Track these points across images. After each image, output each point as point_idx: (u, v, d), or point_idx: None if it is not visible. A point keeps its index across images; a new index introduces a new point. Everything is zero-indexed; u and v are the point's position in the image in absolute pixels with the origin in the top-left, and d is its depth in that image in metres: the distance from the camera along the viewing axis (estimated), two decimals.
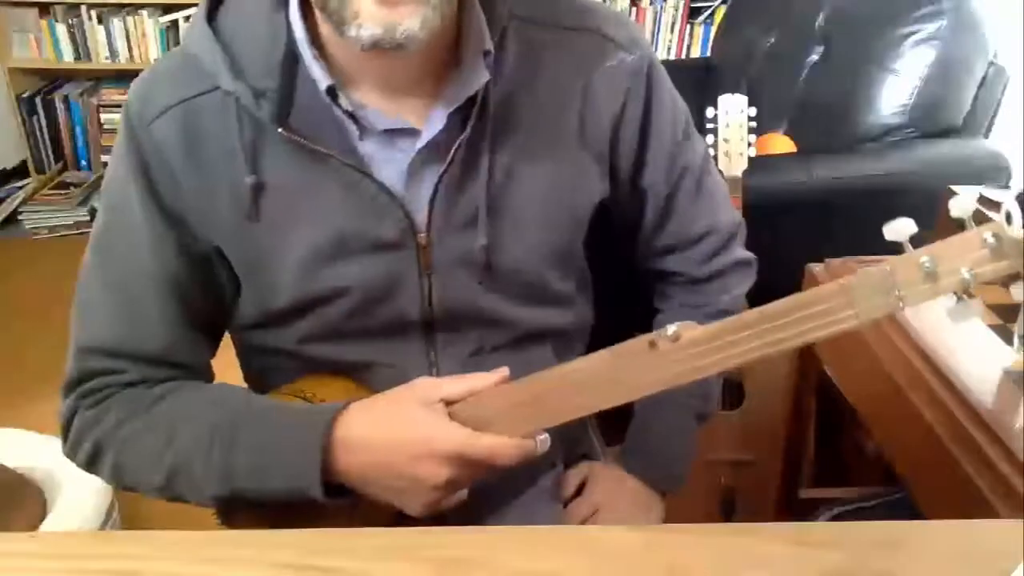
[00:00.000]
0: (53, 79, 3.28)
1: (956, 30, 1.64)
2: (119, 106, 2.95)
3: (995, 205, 0.93)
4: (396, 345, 0.80)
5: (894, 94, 1.66)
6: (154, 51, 3.08)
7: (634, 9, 3.05)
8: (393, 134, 0.74)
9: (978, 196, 0.52)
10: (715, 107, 1.48)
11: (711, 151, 1.47)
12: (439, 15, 0.64)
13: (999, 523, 0.73)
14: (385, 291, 0.77)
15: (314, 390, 0.80)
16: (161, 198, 0.74)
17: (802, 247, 1.18)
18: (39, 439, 1.59)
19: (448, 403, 0.68)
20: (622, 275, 0.95)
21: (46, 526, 1.41)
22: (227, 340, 0.87)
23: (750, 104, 1.47)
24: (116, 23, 3.07)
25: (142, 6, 3.08)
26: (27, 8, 3.08)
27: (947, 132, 1.68)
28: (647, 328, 0.65)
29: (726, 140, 1.47)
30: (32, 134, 3.22)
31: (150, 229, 0.74)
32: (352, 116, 0.72)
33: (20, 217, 3.03)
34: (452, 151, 0.72)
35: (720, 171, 1.46)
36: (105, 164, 3.14)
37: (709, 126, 1.49)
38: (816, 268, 1.16)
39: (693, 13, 3.06)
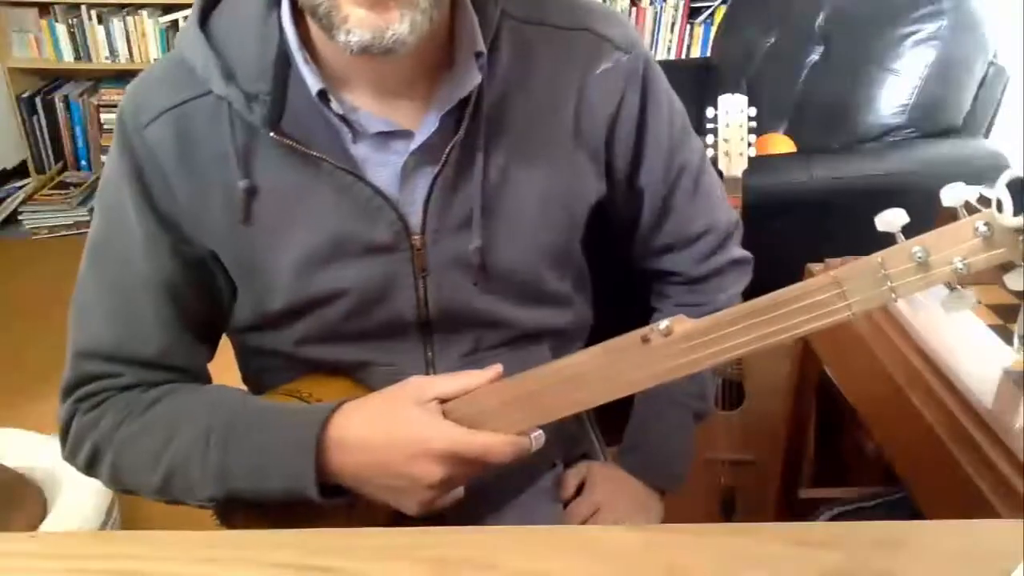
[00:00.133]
0: (53, 79, 3.28)
1: (956, 30, 1.64)
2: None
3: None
4: (393, 345, 0.80)
5: (894, 94, 1.66)
6: (154, 51, 3.08)
7: (634, 9, 3.05)
8: (386, 137, 0.73)
9: (978, 196, 0.51)
10: (715, 107, 1.48)
11: (711, 151, 1.47)
12: (428, 19, 0.64)
13: (999, 523, 0.73)
14: (380, 293, 0.77)
15: (311, 390, 0.80)
16: (155, 202, 0.74)
17: (802, 247, 1.18)
18: (39, 439, 1.59)
19: (442, 401, 0.68)
20: (621, 274, 0.95)
21: (46, 526, 1.41)
22: (226, 340, 0.87)
23: (750, 104, 1.47)
24: (116, 23, 3.07)
25: (142, 6, 3.08)
26: (27, 8, 3.08)
27: (947, 132, 1.68)
28: None
29: (726, 140, 1.47)
30: (32, 134, 3.22)
31: (145, 233, 0.74)
32: (344, 119, 0.72)
33: (20, 217, 3.04)
34: (446, 153, 0.72)
35: (720, 171, 1.46)
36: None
37: (709, 126, 1.49)
38: (816, 268, 1.16)
39: (693, 13, 3.06)
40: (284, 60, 0.71)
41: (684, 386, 0.93)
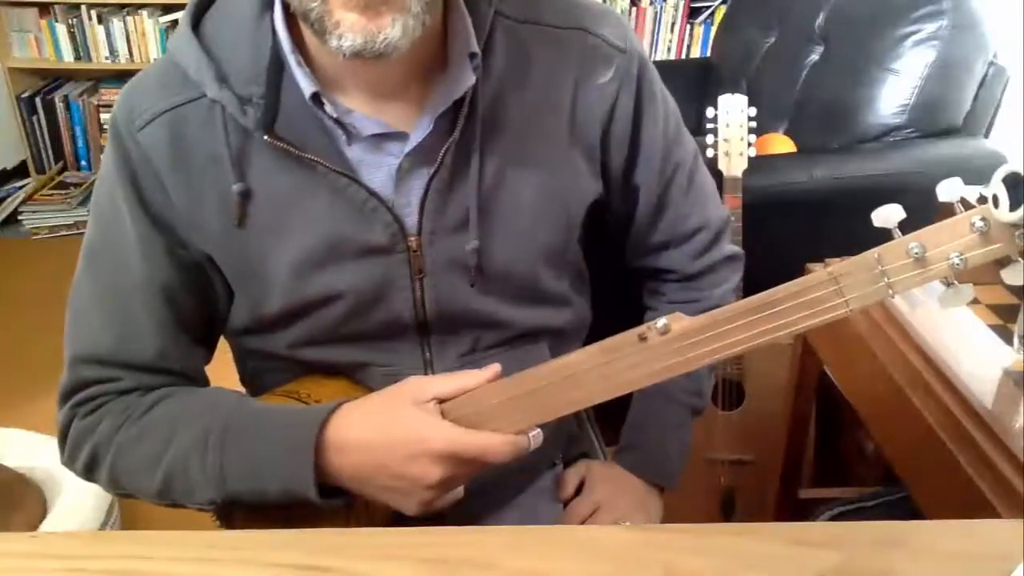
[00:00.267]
0: (53, 79, 3.28)
1: (956, 30, 1.64)
2: None
3: None
4: (390, 347, 0.80)
5: (894, 94, 1.66)
6: (154, 51, 3.08)
7: (634, 9, 3.05)
8: (381, 139, 0.73)
9: (978, 196, 0.51)
10: (715, 107, 1.48)
11: (711, 151, 1.47)
12: (421, 23, 0.64)
13: (999, 523, 0.73)
14: (377, 295, 0.77)
15: (309, 391, 0.80)
16: (150, 206, 0.74)
17: (802, 247, 1.18)
18: (39, 439, 1.60)
19: (441, 401, 0.68)
20: (614, 273, 0.96)
21: (46, 526, 1.41)
22: (224, 342, 0.87)
23: (750, 104, 1.47)
24: (116, 23, 3.07)
25: (142, 6, 3.08)
26: (27, 8, 3.08)
27: (947, 132, 1.68)
28: None
29: (726, 140, 1.47)
30: (32, 134, 3.22)
31: (139, 237, 0.74)
32: (338, 122, 0.72)
33: (20, 217, 3.04)
34: (441, 154, 0.72)
35: (720, 171, 1.47)
36: None
37: (709, 126, 1.49)
38: (816, 268, 1.16)
39: (693, 13, 3.06)
40: (277, 63, 0.71)
41: (680, 383, 0.93)
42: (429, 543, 0.62)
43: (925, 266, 0.52)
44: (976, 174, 0.52)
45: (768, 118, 1.81)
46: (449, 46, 0.72)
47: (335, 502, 0.70)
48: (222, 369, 0.87)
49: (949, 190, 0.52)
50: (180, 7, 3.03)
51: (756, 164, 1.49)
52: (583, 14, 0.79)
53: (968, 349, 0.97)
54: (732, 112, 1.47)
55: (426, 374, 0.81)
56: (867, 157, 1.64)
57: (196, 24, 0.73)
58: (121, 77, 3.19)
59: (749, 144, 1.47)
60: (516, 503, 0.89)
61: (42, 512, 1.44)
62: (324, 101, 0.70)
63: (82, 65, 3.15)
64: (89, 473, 0.78)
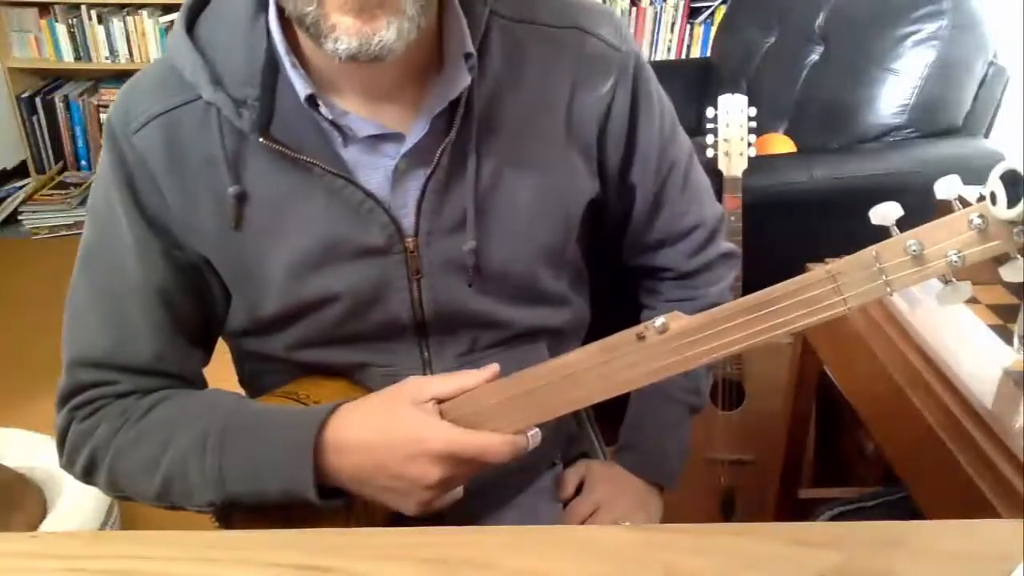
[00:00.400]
0: (53, 79, 3.28)
1: (956, 30, 1.64)
2: None
3: None
4: (389, 347, 0.80)
5: (894, 94, 1.66)
6: (154, 51, 3.08)
7: (634, 9, 3.05)
8: (377, 140, 0.73)
9: (979, 196, 0.51)
10: (715, 107, 1.49)
11: (711, 151, 1.48)
12: (416, 25, 0.64)
13: (999, 523, 0.73)
14: (375, 297, 0.76)
15: (308, 391, 0.80)
16: (146, 208, 0.74)
17: (802, 247, 1.18)
18: (39, 439, 1.60)
19: (439, 401, 0.68)
20: (610, 272, 0.96)
21: (46, 526, 1.41)
22: (223, 343, 0.86)
23: (750, 104, 1.48)
24: (116, 23, 3.08)
25: (142, 6, 3.08)
26: (27, 8, 3.08)
27: (947, 132, 1.68)
28: None
29: (726, 140, 1.47)
30: (32, 134, 3.22)
31: (136, 240, 0.74)
32: (334, 124, 0.71)
33: (20, 217, 3.04)
34: (437, 155, 0.72)
35: (720, 171, 1.47)
36: None
37: (709, 126, 1.49)
38: (816, 268, 1.16)
39: (693, 13, 3.06)
40: (272, 65, 0.71)
41: (678, 381, 0.93)
42: (429, 543, 0.62)
43: (923, 264, 0.52)
44: (976, 174, 0.52)
45: (768, 118, 1.81)
46: (444, 47, 0.72)
47: (334, 503, 0.70)
48: (221, 370, 0.87)
49: (947, 187, 0.52)
50: (180, 7, 3.05)
51: (756, 164, 1.49)
52: (579, 13, 0.79)
53: (968, 349, 0.97)
54: (732, 112, 1.47)
55: (425, 374, 0.81)
56: (867, 157, 1.64)
57: (191, 26, 0.73)
58: (121, 77, 3.19)
59: (749, 144, 1.47)
60: (516, 503, 0.89)
61: (42, 512, 1.44)
62: (319, 103, 0.70)
63: (82, 65, 3.16)
64: (88, 476, 0.78)
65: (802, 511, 1.42)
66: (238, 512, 0.75)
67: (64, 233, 3.00)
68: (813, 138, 1.78)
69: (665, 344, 0.60)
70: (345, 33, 0.62)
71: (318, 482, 0.68)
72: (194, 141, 0.72)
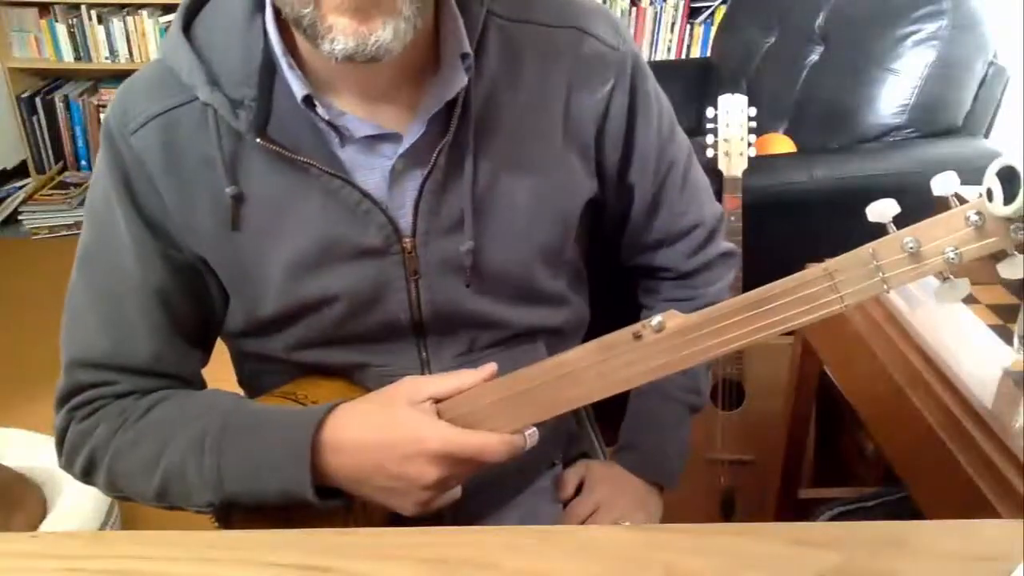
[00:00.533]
0: (53, 79, 3.29)
1: (956, 30, 1.64)
2: None
3: None
4: (387, 348, 0.80)
5: (894, 94, 1.66)
6: (154, 51, 3.08)
7: (634, 9, 3.05)
8: (374, 140, 0.73)
9: (977, 196, 0.51)
10: (715, 107, 1.49)
11: (711, 151, 1.48)
12: (412, 26, 0.64)
13: (999, 523, 0.73)
14: (372, 297, 0.76)
15: (306, 392, 0.80)
16: (143, 209, 0.74)
17: (802, 247, 1.18)
18: (39, 439, 1.60)
19: (437, 401, 0.68)
20: (608, 272, 0.95)
21: (46, 526, 1.41)
22: (222, 343, 0.86)
23: (750, 104, 1.48)
24: (116, 23, 3.08)
25: (142, 6, 3.08)
26: (27, 8, 3.08)
27: (947, 132, 1.68)
28: None
29: (726, 140, 1.47)
30: (32, 134, 3.22)
31: (134, 240, 0.74)
32: (331, 124, 0.71)
33: (20, 217, 3.04)
34: (434, 155, 0.72)
35: (720, 171, 1.47)
36: None
37: (709, 126, 1.49)
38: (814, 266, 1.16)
39: (693, 13, 3.06)
40: (269, 66, 0.71)
41: (677, 381, 0.93)
42: (429, 543, 0.62)
43: (920, 261, 0.52)
44: (976, 174, 0.52)
45: (768, 118, 1.81)
46: (441, 47, 0.72)
47: (333, 503, 0.70)
48: (220, 370, 0.87)
49: (944, 184, 0.52)
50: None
51: (756, 164, 1.49)
52: (576, 13, 0.78)
53: (968, 349, 0.97)
54: (732, 112, 1.47)
55: (423, 374, 0.81)
56: (867, 157, 1.64)
57: (187, 26, 0.73)
58: (121, 77, 3.16)
59: (749, 144, 1.47)
60: (515, 503, 0.89)
61: (42, 512, 1.44)
62: (316, 103, 0.70)
63: (82, 65, 3.16)
64: (87, 477, 0.78)
65: (802, 511, 1.42)
66: (237, 512, 0.75)
67: (64, 233, 3.01)
68: (813, 138, 1.78)
69: (662, 342, 0.60)
70: (341, 34, 0.62)
71: (316, 482, 0.68)
72: (191, 142, 0.72)
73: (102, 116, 0.73)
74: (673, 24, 3.06)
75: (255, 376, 0.87)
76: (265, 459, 0.70)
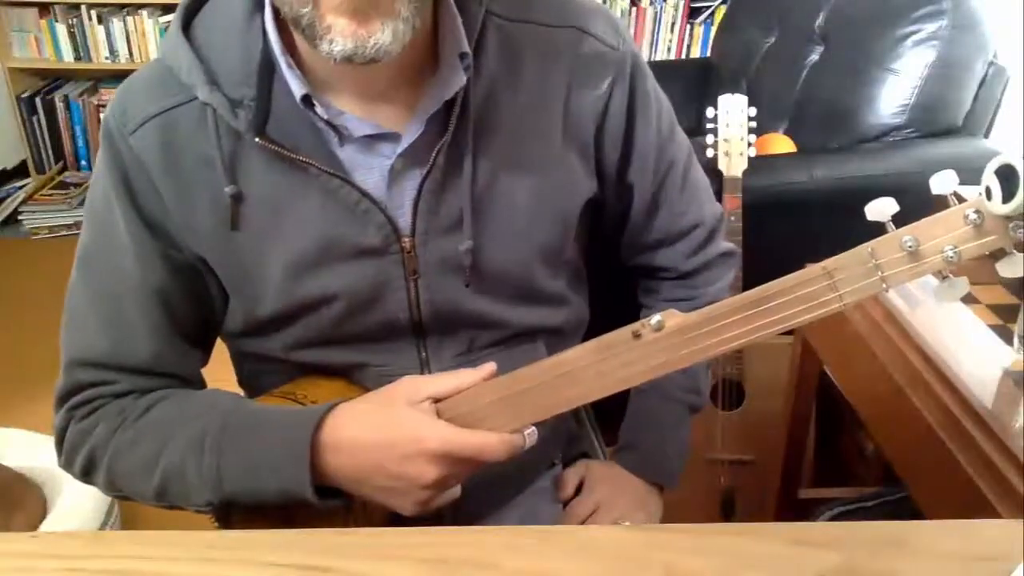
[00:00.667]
0: (53, 79, 3.29)
1: (956, 30, 1.64)
2: None
3: None
4: (386, 347, 0.80)
5: (894, 94, 1.66)
6: (154, 51, 3.08)
7: (634, 9, 3.05)
8: (373, 140, 0.73)
9: (977, 194, 0.51)
10: (715, 107, 1.49)
11: (711, 151, 1.48)
12: (411, 27, 0.64)
13: (999, 523, 0.73)
14: (371, 297, 0.76)
15: (306, 392, 0.80)
16: (143, 209, 0.74)
17: (802, 247, 1.18)
18: (39, 439, 1.60)
19: (436, 401, 0.68)
20: (609, 272, 0.95)
21: (46, 526, 1.41)
22: (221, 343, 0.86)
23: (750, 104, 1.48)
24: (116, 23, 3.08)
25: (142, 6, 3.08)
26: (27, 8, 3.08)
27: (947, 132, 1.68)
28: None
29: (726, 140, 1.47)
30: (32, 134, 3.22)
31: (133, 240, 0.74)
32: (330, 123, 0.71)
33: (20, 217, 3.04)
34: (433, 155, 0.72)
35: (720, 171, 1.47)
36: None
37: (709, 126, 1.49)
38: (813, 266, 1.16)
39: (693, 13, 3.06)
40: (268, 65, 0.71)
41: (677, 380, 0.93)
42: (429, 543, 0.62)
43: (919, 259, 0.52)
44: (976, 174, 0.51)
45: (768, 118, 1.81)
46: (440, 46, 0.72)
47: (333, 503, 0.70)
48: (220, 370, 0.87)
49: (942, 183, 0.52)
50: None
51: (756, 164, 1.49)
52: (575, 12, 0.78)
53: (968, 349, 0.97)
54: (732, 112, 1.47)
55: (422, 374, 0.81)
56: (867, 157, 1.64)
57: (187, 26, 0.73)
58: (121, 77, 3.16)
59: (749, 144, 1.47)
60: (516, 503, 0.89)
61: (42, 512, 1.44)
62: (315, 103, 0.70)
63: (82, 65, 3.16)
64: (86, 476, 0.78)
65: (802, 511, 1.42)
66: (237, 512, 0.75)
67: (64, 233, 3.01)
68: (813, 138, 1.78)
69: (661, 341, 0.60)
70: (340, 35, 0.62)
71: (316, 482, 0.68)
72: (190, 141, 0.72)
73: (102, 116, 0.73)
74: (673, 24, 3.06)
75: (254, 376, 0.87)
76: (264, 459, 0.70)
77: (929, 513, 0.93)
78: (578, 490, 0.94)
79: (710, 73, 2.33)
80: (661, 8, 3.04)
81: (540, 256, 0.80)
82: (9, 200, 3.09)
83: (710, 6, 3.04)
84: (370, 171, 0.74)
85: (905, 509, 1.13)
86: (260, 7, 0.71)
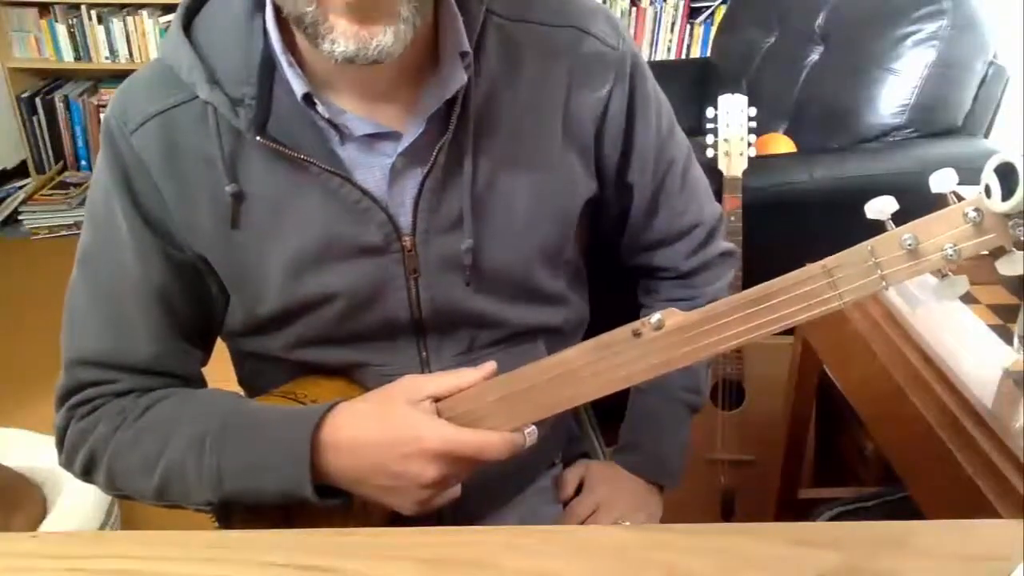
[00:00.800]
0: (53, 79, 3.29)
1: (956, 30, 1.64)
2: None
3: None
4: (387, 346, 0.80)
5: (894, 94, 1.66)
6: (154, 51, 3.08)
7: (634, 9, 3.05)
8: (373, 138, 0.73)
9: (977, 192, 0.51)
10: (715, 107, 1.49)
11: (711, 151, 1.48)
12: (412, 27, 0.64)
13: (999, 523, 0.73)
14: (372, 295, 0.76)
15: (306, 391, 0.80)
16: (143, 208, 0.74)
17: (802, 247, 1.18)
18: (39, 439, 1.60)
19: (436, 400, 0.68)
20: (608, 271, 0.96)
21: (46, 526, 1.41)
22: (222, 343, 0.86)
23: (750, 104, 1.48)
24: (116, 23, 3.08)
25: (142, 6, 3.08)
26: (27, 8, 3.08)
27: (947, 132, 1.68)
28: None
29: (726, 140, 1.47)
30: (32, 134, 3.22)
31: (134, 239, 0.74)
32: (331, 122, 0.72)
33: (20, 217, 3.04)
34: (434, 154, 0.72)
35: (720, 171, 1.47)
36: None
37: (709, 126, 1.49)
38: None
39: (693, 13, 3.06)
40: (268, 64, 0.71)
41: (677, 380, 0.93)
42: (429, 543, 0.62)
43: (918, 257, 0.52)
44: (975, 174, 0.51)
45: (768, 118, 1.81)
46: (440, 46, 0.72)
47: (333, 502, 0.70)
48: (220, 371, 0.87)
49: (941, 181, 0.52)
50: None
51: (756, 164, 1.49)
52: (575, 12, 0.78)
53: (968, 349, 0.97)
54: (732, 112, 1.47)
55: (422, 373, 0.81)
56: (867, 157, 1.63)
57: (187, 25, 0.73)
58: (121, 77, 3.16)
59: (749, 144, 1.47)
60: (516, 503, 0.89)
61: (42, 512, 1.44)
62: (316, 101, 0.70)
63: (82, 65, 3.16)
64: (87, 475, 0.78)
65: (802, 511, 1.42)
66: (237, 512, 0.75)
67: (64, 233, 3.00)
68: (813, 138, 1.78)
69: (661, 340, 0.60)
70: (342, 36, 0.62)
71: (316, 481, 0.68)
72: (191, 140, 0.72)
73: (102, 116, 0.73)
74: (673, 24, 3.06)
75: (255, 375, 0.87)
76: (265, 458, 0.70)
77: (929, 513, 0.93)
78: (578, 490, 0.94)
79: (710, 73, 2.33)
80: (661, 8, 3.04)
81: (540, 255, 0.80)
82: (9, 200, 3.08)
83: (710, 6, 3.04)
84: (371, 170, 0.74)
85: (905, 509, 1.13)
86: (261, 6, 0.71)
